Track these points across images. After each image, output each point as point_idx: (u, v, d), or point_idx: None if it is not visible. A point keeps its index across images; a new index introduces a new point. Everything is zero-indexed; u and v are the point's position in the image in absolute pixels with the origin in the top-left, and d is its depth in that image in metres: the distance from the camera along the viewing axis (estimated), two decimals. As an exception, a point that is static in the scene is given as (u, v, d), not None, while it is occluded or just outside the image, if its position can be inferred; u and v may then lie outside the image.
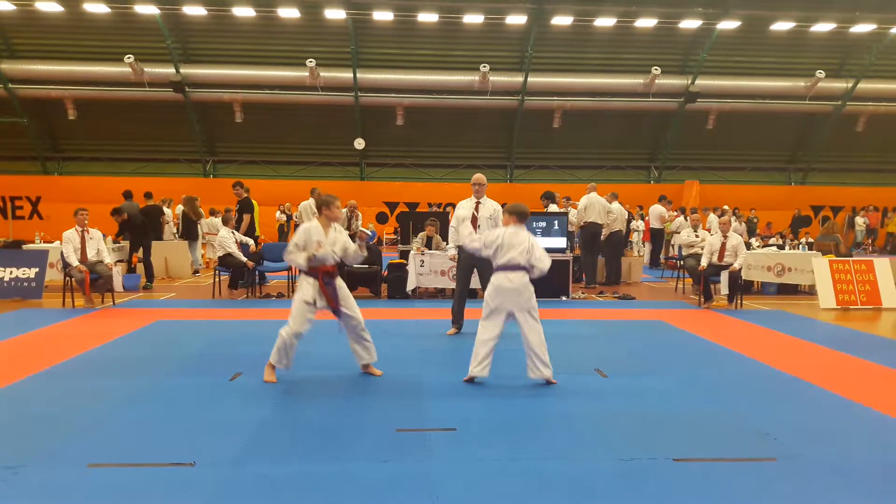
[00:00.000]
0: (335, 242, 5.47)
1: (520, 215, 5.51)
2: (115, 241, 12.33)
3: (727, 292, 9.96)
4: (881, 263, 10.81)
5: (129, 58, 20.57)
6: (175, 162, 24.42)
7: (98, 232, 9.91)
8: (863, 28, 21.19)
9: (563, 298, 10.56)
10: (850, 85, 22.82)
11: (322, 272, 5.39)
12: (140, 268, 12.10)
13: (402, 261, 10.88)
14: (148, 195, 13.60)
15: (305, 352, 6.66)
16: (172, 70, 21.34)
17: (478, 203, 7.62)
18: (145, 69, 21.17)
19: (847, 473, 3.69)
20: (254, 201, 12.62)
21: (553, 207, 12.62)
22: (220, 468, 3.70)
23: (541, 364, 5.34)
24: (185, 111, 22.59)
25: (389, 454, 3.92)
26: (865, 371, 6.14)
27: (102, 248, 9.85)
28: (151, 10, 19.72)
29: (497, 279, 5.34)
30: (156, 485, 3.48)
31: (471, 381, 5.44)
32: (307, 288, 5.37)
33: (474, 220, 7.50)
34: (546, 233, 10.89)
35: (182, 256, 13.73)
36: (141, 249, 11.95)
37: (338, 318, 5.52)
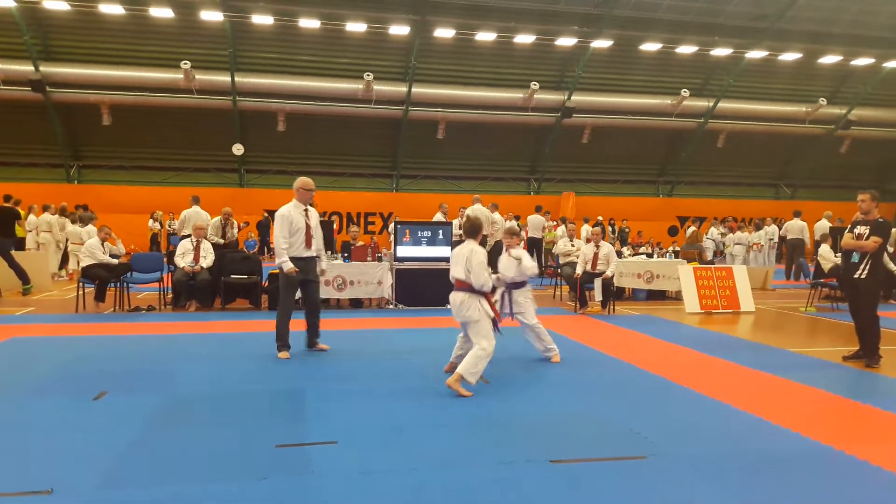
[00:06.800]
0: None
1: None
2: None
3: (601, 298, 10.47)
4: (739, 270, 11.74)
5: (-21, 52, 18.82)
6: (34, 167, 22.54)
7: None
8: (721, 52, 23.00)
9: (448, 306, 10.64)
10: (711, 104, 24.68)
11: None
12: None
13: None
14: (7, 198, 13.44)
15: (171, 371, 6.34)
16: (31, 68, 19.73)
17: (306, 210, 7.00)
18: (-1, 66, 19.46)
19: (708, 468, 3.94)
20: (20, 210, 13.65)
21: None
22: (81, 494, 3.43)
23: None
24: (45, 112, 20.94)
25: (268, 471, 3.79)
26: (724, 370, 6.62)
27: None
28: (7, 2, 18.11)
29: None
30: (4, 518, 3.18)
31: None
32: (487, 305, 5.88)
33: (308, 231, 6.91)
34: (431, 242, 10.97)
35: (42, 267, 12.75)
36: None
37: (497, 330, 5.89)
